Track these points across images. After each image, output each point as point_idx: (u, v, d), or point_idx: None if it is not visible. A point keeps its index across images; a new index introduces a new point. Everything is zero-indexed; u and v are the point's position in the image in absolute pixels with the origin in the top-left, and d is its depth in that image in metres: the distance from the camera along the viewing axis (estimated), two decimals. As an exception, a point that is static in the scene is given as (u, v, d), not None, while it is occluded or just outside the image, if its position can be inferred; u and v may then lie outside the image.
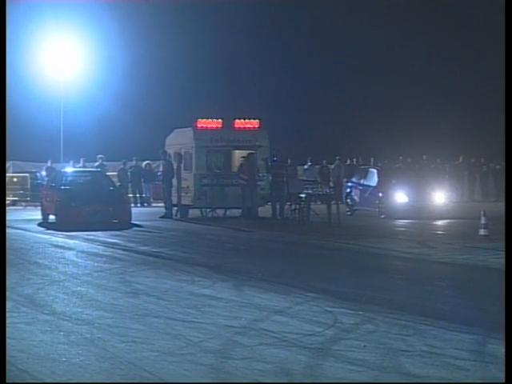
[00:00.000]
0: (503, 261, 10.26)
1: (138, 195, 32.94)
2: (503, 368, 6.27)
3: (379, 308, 9.07)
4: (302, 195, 22.34)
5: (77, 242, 17.35)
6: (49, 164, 33.01)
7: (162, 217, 24.71)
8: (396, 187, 25.07)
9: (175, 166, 25.26)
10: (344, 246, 16.44)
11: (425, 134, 41.79)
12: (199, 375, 6.40)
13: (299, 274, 12.20)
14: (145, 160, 33.54)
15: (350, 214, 26.02)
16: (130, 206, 23.01)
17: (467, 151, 36.94)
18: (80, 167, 30.86)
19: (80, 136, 39.45)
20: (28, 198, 32.54)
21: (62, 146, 36.04)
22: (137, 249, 16.01)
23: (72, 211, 20.95)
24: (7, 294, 10.03)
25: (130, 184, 32.40)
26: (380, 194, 25.15)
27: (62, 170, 26.46)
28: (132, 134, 43.30)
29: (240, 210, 24.65)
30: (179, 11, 47.40)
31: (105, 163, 32.23)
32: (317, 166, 34.86)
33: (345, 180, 31.04)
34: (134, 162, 33.52)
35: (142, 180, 33.05)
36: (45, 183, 27.71)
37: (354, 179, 27.83)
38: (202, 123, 25.40)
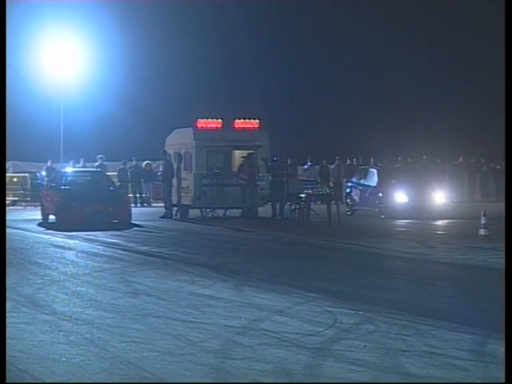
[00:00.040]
0: (503, 261, 10.27)
1: (138, 195, 32.94)
2: (503, 368, 6.27)
3: (379, 308, 9.07)
4: (302, 195, 22.34)
5: (77, 242, 17.35)
6: (49, 164, 33.01)
7: (162, 217, 24.71)
8: (396, 187, 25.08)
9: (175, 166, 25.26)
10: (344, 246, 16.44)
11: (425, 134, 41.79)
12: (199, 375, 6.40)
13: (299, 274, 12.20)
14: (145, 160, 33.54)
15: (350, 214, 26.01)
16: (130, 206, 23.02)
17: (467, 151, 36.94)
18: (80, 167, 30.86)
19: (80, 136, 39.45)
20: (28, 198, 32.54)
21: (62, 146, 36.04)
22: (137, 249, 16.01)
23: (72, 211, 20.95)
24: (7, 294, 10.03)
25: (130, 184, 32.40)
26: (380, 194, 25.15)
27: (62, 170, 26.46)
28: (132, 134, 43.31)
29: (240, 210, 24.65)
30: (179, 11, 47.42)
31: (105, 163, 32.24)
32: (317, 166, 34.86)
33: (345, 180, 31.04)
34: (134, 162, 33.52)
35: (142, 180, 33.05)
36: (45, 183, 27.71)
37: (353, 179, 27.83)
38: (202, 123, 25.40)
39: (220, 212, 25.12)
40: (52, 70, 36.40)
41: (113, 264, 13.41)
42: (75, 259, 14.29)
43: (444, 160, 36.55)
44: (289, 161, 28.62)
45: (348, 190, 27.63)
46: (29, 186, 33.04)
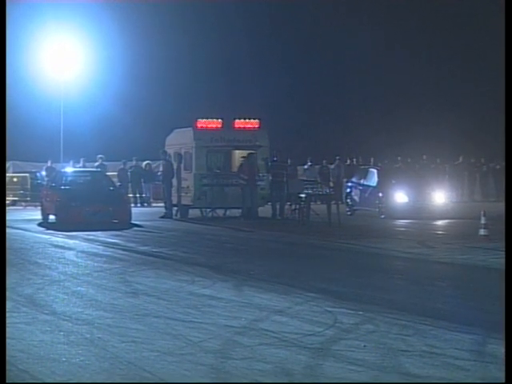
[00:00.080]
0: (503, 261, 10.26)
1: (138, 195, 32.94)
2: (503, 368, 6.27)
3: (379, 308, 9.07)
4: (302, 195, 22.34)
5: (77, 241, 17.35)
6: (49, 164, 33.01)
7: (162, 217, 24.71)
8: (396, 187, 25.07)
9: (175, 166, 25.26)
10: (344, 246, 16.44)
11: (425, 134, 41.79)
12: (199, 375, 6.40)
13: (299, 274, 12.20)
14: (145, 160, 33.54)
15: (350, 214, 26.02)
16: (130, 206, 23.02)
17: (467, 151, 36.94)
18: (80, 167, 30.85)
19: (80, 136, 39.45)
20: (28, 198, 32.53)
21: (62, 146, 36.04)
22: (137, 249, 16.01)
23: (72, 211, 20.95)
24: (7, 294, 10.03)
25: (130, 184, 32.39)
26: (380, 194, 25.15)
27: (62, 170, 26.46)
28: (132, 134, 43.31)
29: (240, 210, 24.64)
30: (179, 11, 47.41)
31: (105, 163, 32.23)
32: (317, 166, 34.86)
33: (345, 180, 31.05)
34: (134, 162, 33.51)
35: (142, 180, 33.05)
36: (45, 183, 27.71)
37: (354, 179, 27.83)
38: (202, 123, 25.40)
39: (220, 212, 25.12)
40: (52, 70, 36.40)
41: (113, 264, 13.41)
42: (75, 259, 14.29)
43: (444, 160, 36.54)
44: (289, 161, 28.61)
45: (348, 190, 27.63)
46: (29, 186, 33.04)
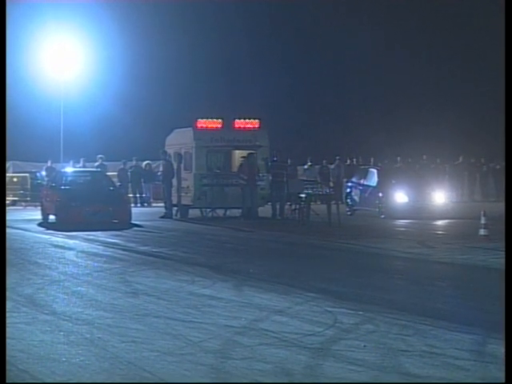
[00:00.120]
0: (503, 261, 10.26)
1: (138, 195, 32.94)
2: (503, 368, 6.27)
3: (379, 308, 9.07)
4: (302, 195, 22.34)
5: (77, 241, 17.35)
6: (49, 164, 33.01)
7: (162, 217, 24.71)
8: (396, 187, 25.07)
9: (175, 166, 25.26)
10: (344, 246, 16.44)
11: (425, 134, 41.79)
12: (199, 375, 6.41)
13: (299, 274, 12.20)
14: (145, 160, 33.54)
15: (350, 214, 26.02)
16: (130, 206, 23.01)
17: (467, 151, 36.94)
18: (80, 167, 30.86)
19: (80, 136, 39.45)
20: (28, 198, 32.53)
21: (62, 146, 36.04)
22: (137, 249, 16.01)
23: (72, 211, 20.95)
24: (7, 294, 10.03)
25: (130, 184, 32.39)
26: (380, 194, 25.15)
27: (62, 170, 26.46)
28: (132, 134, 43.30)
29: (240, 210, 24.65)
30: (179, 11, 47.41)
31: (105, 163, 32.23)
32: (317, 166, 34.86)
33: (345, 180, 31.05)
34: (134, 162, 33.52)
35: (142, 180, 33.05)
36: (45, 183, 27.71)
37: (354, 179, 27.83)
38: (202, 123, 25.40)
39: (220, 212, 25.12)
40: (52, 70, 36.39)
41: (113, 264, 13.41)
42: (75, 259, 14.29)
43: (444, 160, 36.54)
44: (289, 161, 28.61)
45: (348, 190, 27.63)
46: (29, 186, 33.04)
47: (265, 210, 24.97)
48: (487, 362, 6.74)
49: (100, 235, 18.64)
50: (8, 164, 34.03)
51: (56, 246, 16.45)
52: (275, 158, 25.45)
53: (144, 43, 47.23)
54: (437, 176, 32.19)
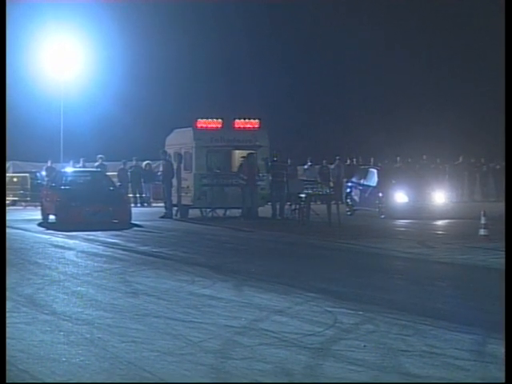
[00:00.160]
0: (503, 261, 10.26)
1: (138, 195, 32.94)
2: (503, 368, 6.27)
3: (379, 308, 9.07)
4: (302, 195, 22.34)
5: (77, 241, 17.35)
6: (49, 164, 33.01)
7: (162, 217, 24.71)
8: (396, 187, 25.07)
9: (175, 166, 25.26)
10: (344, 246, 16.43)
11: (425, 134, 41.80)
12: (199, 375, 6.40)
13: (299, 274, 12.20)
14: (145, 160, 33.54)
15: (350, 214, 26.02)
16: (130, 206, 23.01)
17: (467, 151, 36.94)
18: (80, 167, 30.86)
19: (80, 136, 39.46)
20: (28, 198, 32.54)
21: (62, 146, 36.04)
22: (137, 249, 16.01)
23: (72, 211, 20.95)
24: (7, 294, 10.03)
25: (130, 184, 32.40)
26: (380, 194, 25.15)
27: (62, 170, 26.46)
28: (132, 134, 43.31)
29: (240, 210, 24.65)
30: (179, 11, 47.42)
31: (105, 163, 32.24)
32: (317, 166, 34.86)
33: (345, 180, 31.04)
34: (134, 162, 33.52)
35: (142, 180, 33.06)
36: (45, 183, 27.71)
37: (354, 179, 27.83)
38: (202, 123, 25.40)
39: (220, 212, 25.12)
40: (52, 70, 36.39)
41: (113, 264, 13.41)
42: (75, 259, 14.29)
43: (444, 160, 36.54)
44: (289, 161, 28.61)
45: (348, 190, 27.63)
46: (29, 186, 33.05)
47: (265, 210, 24.97)
48: (487, 362, 6.74)
49: (100, 235, 18.64)
50: (8, 164, 34.03)
51: (56, 246, 16.45)
52: (275, 158, 25.45)
53: (144, 43, 47.27)
54: (437, 176, 32.19)
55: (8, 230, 18.60)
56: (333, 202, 22.41)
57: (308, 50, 52.31)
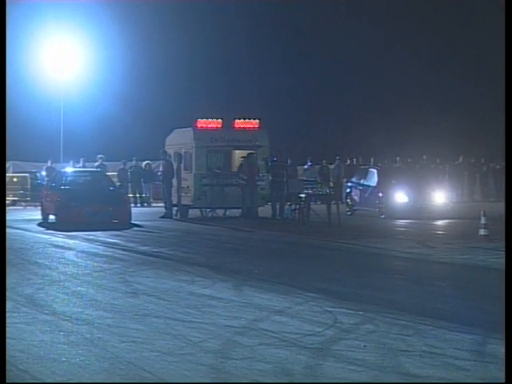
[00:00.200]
0: (503, 261, 10.27)
1: (138, 195, 32.95)
2: (503, 368, 6.27)
3: (379, 308, 9.07)
4: (302, 195, 22.34)
5: (77, 242, 17.35)
6: (49, 164, 33.02)
7: (162, 217, 24.71)
8: (396, 187, 25.07)
9: (175, 166, 25.26)
10: (344, 246, 16.43)
11: (425, 134, 41.78)
12: (199, 375, 6.40)
13: (299, 274, 12.20)
14: (145, 160, 33.54)
15: (350, 214, 26.01)
16: (130, 206, 23.02)
17: (467, 151, 36.94)
18: (80, 167, 30.86)
19: (80, 136, 39.46)
20: (28, 198, 32.54)
21: (62, 146, 36.04)
22: (137, 249, 16.01)
23: (72, 211, 20.95)
24: (7, 294, 10.03)
25: (129, 184, 32.40)
26: (380, 194, 25.15)
27: (62, 170, 26.46)
28: (132, 134, 43.32)
29: (240, 210, 24.65)
30: (179, 11, 47.42)
31: (105, 163, 32.24)
32: (317, 166, 34.87)
33: (345, 180, 31.04)
34: (133, 162, 33.52)
35: (142, 180, 33.05)
36: (45, 183, 27.71)
37: (354, 179, 27.83)
38: (202, 123, 25.40)
39: (220, 212, 25.12)
40: (52, 70, 36.39)
41: (113, 264, 13.41)
42: (75, 259, 14.29)
43: (444, 160, 36.54)
44: (289, 161, 28.61)
45: (348, 190, 27.62)
46: (29, 186, 33.05)
47: (265, 210, 24.97)
48: (487, 362, 6.74)
49: (100, 235, 18.64)
50: (8, 164, 34.03)
51: (56, 246, 16.45)
52: (275, 158, 25.45)
53: (144, 43, 47.28)
54: (437, 176, 32.19)
55: (8, 230, 18.60)
56: (333, 202, 22.41)
57: (308, 49, 52.33)
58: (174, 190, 25.13)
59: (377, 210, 24.98)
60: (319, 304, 9.36)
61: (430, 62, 51.02)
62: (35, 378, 6.37)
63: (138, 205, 32.04)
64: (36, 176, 32.73)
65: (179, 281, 11.29)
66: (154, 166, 33.02)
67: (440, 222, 22.75)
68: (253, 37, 49.33)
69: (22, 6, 41.82)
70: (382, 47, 48.34)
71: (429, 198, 25.11)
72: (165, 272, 12.28)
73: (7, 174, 32.81)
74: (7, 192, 31.09)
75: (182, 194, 25.15)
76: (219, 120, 25.55)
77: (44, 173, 32.18)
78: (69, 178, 23.62)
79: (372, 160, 34.94)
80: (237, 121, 25.70)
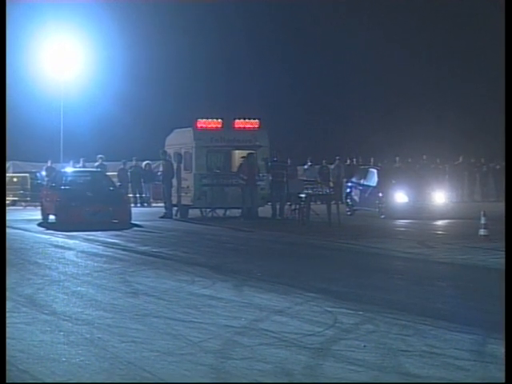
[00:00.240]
0: (503, 261, 10.27)
1: (138, 195, 32.95)
2: (503, 368, 6.27)
3: (379, 308, 9.07)
4: (302, 195, 22.34)
5: (77, 242, 17.35)
6: (49, 164, 33.02)
7: (161, 217, 24.71)
8: (396, 187, 25.07)
9: (175, 166, 25.26)
10: (344, 246, 16.44)
11: (425, 134, 41.78)
12: (199, 375, 6.40)
13: (299, 274, 12.20)
14: (145, 160, 33.54)
15: (350, 214, 26.01)
16: (130, 206, 23.02)
17: (467, 151, 36.94)
18: (80, 167, 30.86)
19: (80, 136, 39.44)
20: (28, 198, 32.54)
21: (61, 146, 36.03)
22: (137, 249, 16.01)
23: (72, 211, 20.95)
24: (7, 294, 10.03)
25: (130, 184, 32.40)
26: (380, 194, 25.15)
27: (62, 170, 26.46)
28: (132, 134, 43.31)
29: (240, 210, 24.65)
30: (179, 11, 47.41)
31: (105, 163, 32.23)
32: (317, 166, 34.86)
33: (345, 180, 31.04)
34: (133, 162, 33.52)
35: (142, 180, 33.06)
36: (45, 183, 27.71)
37: (353, 179, 27.83)
38: (202, 123, 25.40)
39: (220, 212, 25.12)
40: (52, 70, 36.38)
41: (113, 264, 13.41)
42: (75, 259, 14.29)
43: (444, 160, 36.54)
44: (289, 161, 28.61)
45: (348, 190, 27.62)
46: (29, 186, 33.04)
47: (265, 210, 24.97)
48: (487, 362, 6.74)
49: (100, 235, 18.64)
50: (8, 164, 34.02)
51: (56, 246, 16.45)
52: (275, 158, 25.45)
53: (144, 43, 47.27)
54: (437, 176, 32.19)
55: (8, 230, 18.60)
56: (333, 202, 22.41)
57: (308, 49, 52.31)
58: (173, 190, 25.13)
59: (377, 210, 24.98)
60: (319, 304, 9.36)
61: (430, 61, 51.02)
62: (35, 378, 6.37)
63: (138, 205, 32.04)
64: (36, 176, 32.73)
65: (179, 281, 11.29)
66: (153, 166, 33.03)
67: (440, 222, 22.75)
68: (253, 37, 49.34)
69: (22, 6, 41.84)
70: (382, 47, 48.34)
71: (429, 198, 25.11)
72: (165, 272, 12.28)
73: (7, 174, 32.80)
74: (7, 192, 31.08)
75: (182, 194, 25.15)
76: (219, 120, 25.55)
77: (44, 173, 32.18)
78: (69, 178, 23.62)
79: (372, 160, 34.93)
80: (237, 121, 25.70)
